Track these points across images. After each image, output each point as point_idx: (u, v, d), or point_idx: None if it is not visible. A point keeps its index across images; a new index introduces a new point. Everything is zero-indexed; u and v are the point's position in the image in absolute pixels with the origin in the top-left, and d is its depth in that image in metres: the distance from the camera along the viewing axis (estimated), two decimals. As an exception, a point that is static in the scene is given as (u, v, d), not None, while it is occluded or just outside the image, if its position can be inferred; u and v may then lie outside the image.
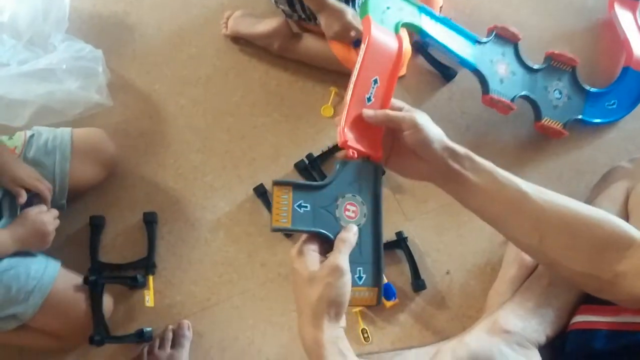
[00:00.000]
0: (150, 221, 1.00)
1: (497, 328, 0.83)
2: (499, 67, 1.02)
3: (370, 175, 0.69)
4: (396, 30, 0.79)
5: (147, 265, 0.97)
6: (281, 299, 0.97)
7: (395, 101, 0.69)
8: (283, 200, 0.67)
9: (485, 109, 1.11)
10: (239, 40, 1.14)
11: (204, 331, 0.96)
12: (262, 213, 1.02)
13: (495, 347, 0.80)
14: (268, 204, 1.01)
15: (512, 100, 1.01)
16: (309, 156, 1.05)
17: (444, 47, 0.97)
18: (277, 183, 0.65)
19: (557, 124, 1.05)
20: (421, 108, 1.07)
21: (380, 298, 0.68)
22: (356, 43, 1.05)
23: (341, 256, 0.60)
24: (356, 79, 0.71)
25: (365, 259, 0.68)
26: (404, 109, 0.67)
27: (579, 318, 0.82)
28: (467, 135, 1.10)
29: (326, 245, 0.63)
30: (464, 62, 0.99)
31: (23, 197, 0.85)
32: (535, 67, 1.05)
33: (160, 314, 0.96)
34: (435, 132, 0.64)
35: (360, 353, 0.93)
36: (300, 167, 1.04)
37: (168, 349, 0.92)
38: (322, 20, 1.02)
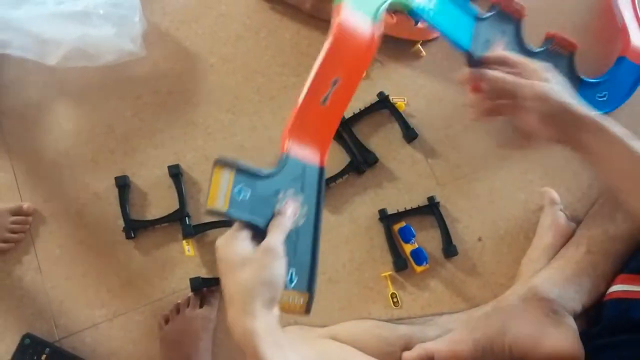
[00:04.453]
0: (175, 174, 0.99)
1: (533, 295, 0.81)
2: (496, 49, 0.93)
3: (314, 178, 0.66)
4: (376, 17, 0.69)
5: (182, 216, 0.96)
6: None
7: (522, 61, 0.62)
8: (223, 180, 0.63)
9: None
10: (270, -1, 1.11)
11: (233, 291, 0.95)
12: (291, 175, 1.00)
13: (531, 314, 0.79)
14: (298, 166, 0.99)
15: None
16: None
17: (436, 26, 0.87)
18: (219, 162, 0.61)
19: None
20: (452, 62, 1.05)
21: (310, 307, 0.65)
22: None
23: (276, 238, 0.57)
24: (313, 79, 0.65)
25: (300, 261, 0.65)
26: (523, 66, 0.61)
27: (617, 287, 0.80)
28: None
29: (259, 238, 0.59)
30: (456, 44, 0.90)
31: None
32: (534, 50, 0.97)
33: (197, 269, 0.96)
34: (560, 101, 0.57)
35: (389, 318, 0.92)
36: (330, 129, 1.02)
37: (197, 309, 0.92)
38: None
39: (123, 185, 0.98)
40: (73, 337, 0.93)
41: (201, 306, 0.92)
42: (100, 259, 0.96)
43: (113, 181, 0.98)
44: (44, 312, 0.94)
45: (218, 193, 0.62)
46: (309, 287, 0.65)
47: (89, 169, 1.01)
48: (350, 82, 0.66)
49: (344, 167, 0.99)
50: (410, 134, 1.01)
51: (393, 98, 1.03)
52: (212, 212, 0.61)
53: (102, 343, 0.93)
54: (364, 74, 0.70)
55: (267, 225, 0.61)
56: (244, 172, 0.62)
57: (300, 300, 0.65)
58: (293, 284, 0.64)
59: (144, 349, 0.92)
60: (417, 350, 0.76)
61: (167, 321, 0.92)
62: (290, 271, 0.64)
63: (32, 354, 0.90)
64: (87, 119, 1.03)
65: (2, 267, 0.96)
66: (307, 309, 0.65)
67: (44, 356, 0.89)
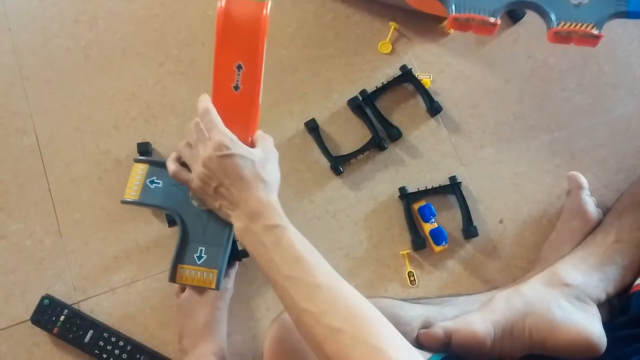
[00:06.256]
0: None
1: (556, 280, 0.80)
2: None
3: None
4: None
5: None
6: (328, 236, 0.96)
7: None
8: (138, 175, 0.76)
9: (552, 53, 1.05)
10: (296, -31, 1.08)
11: (250, 263, 0.95)
12: (312, 149, 0.99)
13: (553, 299, 0.77)
14: (319, 140, 0.98)
15: (493, 14, 0.78)
16: (363, 92, 1.01)
17: None
18: (136, 160, 0.77)
19: (582, 25, 0.78)
20: (484, 50, 1.03)
21: (219, 282, 0.73)
22: None
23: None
24: (215, 67, 0.69)
25: (210, 241, 0.73)
26: None
27: (646, 279, 0.78)
28: (530, 80, 1.03)
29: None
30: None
31: None
32: None
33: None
34: None
35: (406, 297, 0.92)
36: (353, 104, 1.00)
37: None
38: None
39: (145, 151, 0.98)
40: (91, 300, 0.94)
41: (218, 276, 0.93)
42: (120, 225, 0.97)
43: (134, 148, 0.98)
44: (63, 274, 0.95)
45: (132, 187, 0.75)
46: (217, 265, 0.73)
47: (111, 135, 1.01)
48: (254, 64, 0.68)
49: (365, 142, 0.98)
50: (434, 107, 0.99)
51: (419, 75, 1.01)
52: (125, 203, 0.75)
53: (119, 307, 0.94)
54: (264, 55, 0.72)
55: (180, 207, 0.73)
56: (157, 165, 0.75)
57: (209, 275, 0.73)
58: (201, 260, 0.73)
59: (160, 316, 0.93)
60: (435, 328, 0.75)
61: (183, 290, 0.93)
62: (200, 249, 0.73)
63: (50, 314, 0.91)
64: (109, 85, 1.03)
65: (24, 229, 0.97)
66: (217, 285, 0.73)
67: (62, 317, 0.91)
